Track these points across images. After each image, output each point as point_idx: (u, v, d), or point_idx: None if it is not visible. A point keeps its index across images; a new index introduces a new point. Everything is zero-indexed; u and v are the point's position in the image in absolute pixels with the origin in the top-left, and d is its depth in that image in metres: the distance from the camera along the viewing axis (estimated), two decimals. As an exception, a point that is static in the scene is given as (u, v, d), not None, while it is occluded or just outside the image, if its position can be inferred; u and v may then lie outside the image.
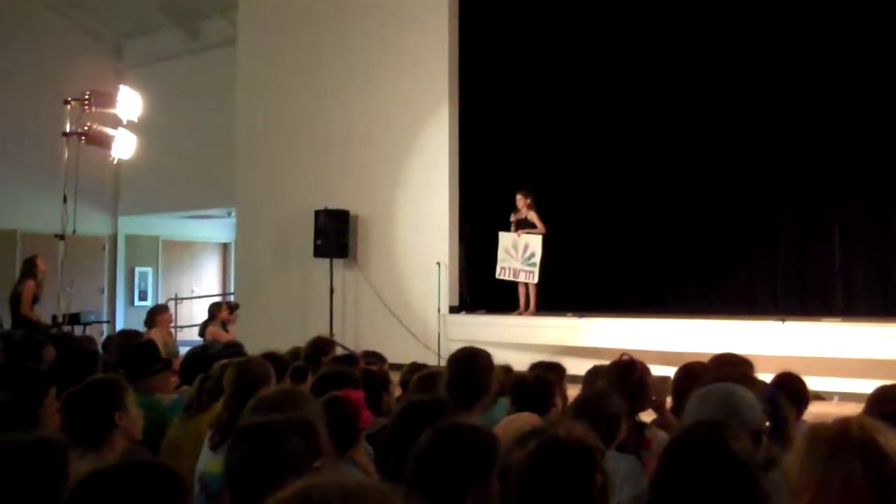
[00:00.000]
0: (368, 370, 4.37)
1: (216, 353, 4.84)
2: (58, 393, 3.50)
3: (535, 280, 10.28)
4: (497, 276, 10.50)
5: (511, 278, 10.43)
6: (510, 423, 2.97)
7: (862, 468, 1.65)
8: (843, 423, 1.75)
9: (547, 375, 4.00)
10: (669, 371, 4.19)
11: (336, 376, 3.87)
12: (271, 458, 2.22)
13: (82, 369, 3.76)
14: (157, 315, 8.56)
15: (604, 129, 11.18)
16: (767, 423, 2.60)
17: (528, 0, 11.42)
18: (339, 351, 6.29)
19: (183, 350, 7.21)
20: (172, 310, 11.77)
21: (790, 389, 3.81)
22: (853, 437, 1.70)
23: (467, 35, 11.43)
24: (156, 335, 7.90)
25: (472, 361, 3.76)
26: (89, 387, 3.20)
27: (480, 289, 11.34)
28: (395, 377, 4.71)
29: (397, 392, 4.57)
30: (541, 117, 11.75)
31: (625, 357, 4.03)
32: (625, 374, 3.81)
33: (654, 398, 3.92)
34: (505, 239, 10.44)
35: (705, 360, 4.13)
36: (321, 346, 5.62)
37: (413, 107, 11.54)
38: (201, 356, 4.98)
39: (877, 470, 1.65)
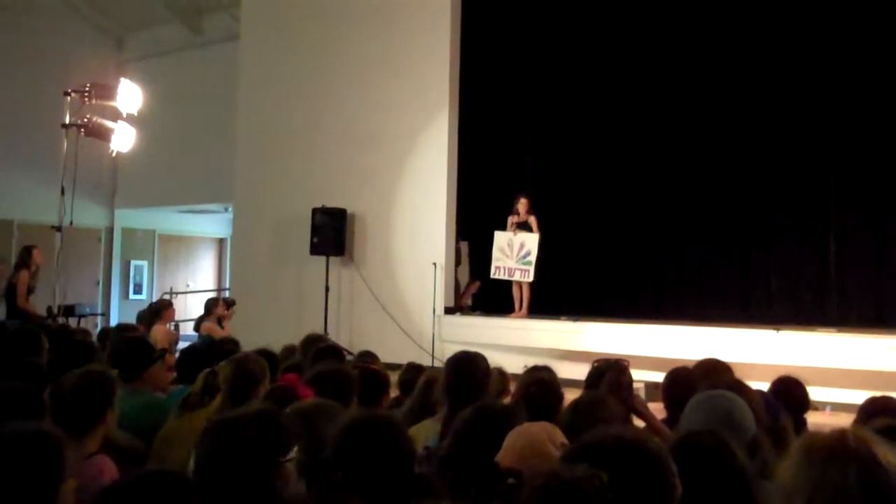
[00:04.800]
0: (372, 369, 4.33)
1: (215, 351, 4.81)
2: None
3: (531, 279, 10.19)
4: (492, 276, 10.47)
5: (506, 277, 10.38)
6: (524, 431, 2.65)
7: (858, 477, 1.68)
8: (841, 433, 1.78)
9: (556, 379, 3.85)
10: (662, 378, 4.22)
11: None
12: (234, 452, 2.27)
13: (80, 363, 3.76)
14: (163, 310, 8.60)
15: (601, 135, 11.25)
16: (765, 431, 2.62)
17: (530, 5, 11.47)
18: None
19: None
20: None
21: (790, 395, 3.84)
22: (850, 446, 1.73)
23: (468, 38, 11.44)
24: (158, 331, 7.93)
25: (469, 365, 3.77)
26: (86, 377, 3.24)
27: (477, 291, 11.34)
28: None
29: (393, 393, 4.59)
30: (539, 122, 11.81)
31: (598, 362, 4.09)
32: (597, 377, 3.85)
33: (635, 404, 3.94)
34: (500, 238, 10.36)
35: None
36: (316, 343, 5.61)
37: (414, 107, 11.54)
38: (198, 353, 4.96)
39: (872, 480, 1.68)
